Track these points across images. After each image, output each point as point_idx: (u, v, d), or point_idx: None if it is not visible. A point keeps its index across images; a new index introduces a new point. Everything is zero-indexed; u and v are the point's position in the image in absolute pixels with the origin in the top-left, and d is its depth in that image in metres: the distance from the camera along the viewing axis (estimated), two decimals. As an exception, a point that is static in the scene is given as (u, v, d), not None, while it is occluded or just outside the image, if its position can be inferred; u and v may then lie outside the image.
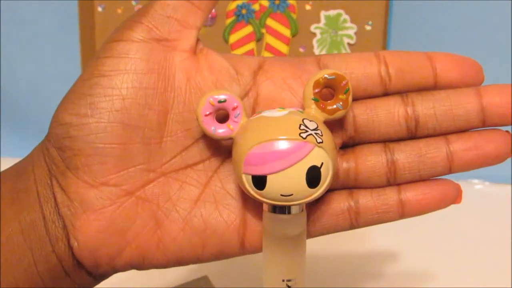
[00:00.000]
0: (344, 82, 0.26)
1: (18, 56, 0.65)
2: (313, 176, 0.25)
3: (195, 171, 0.28)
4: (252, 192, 0.26)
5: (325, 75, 0.27)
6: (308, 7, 0.53)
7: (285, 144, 0.25)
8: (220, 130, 0.27)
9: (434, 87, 0.29)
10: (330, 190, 0.28)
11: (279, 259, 0.27)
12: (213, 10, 0.54)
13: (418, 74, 0.28)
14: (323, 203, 0.28)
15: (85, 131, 0.26)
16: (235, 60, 0.29)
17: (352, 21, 0.53)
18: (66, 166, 0.27)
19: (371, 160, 0.28)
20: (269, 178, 0.25)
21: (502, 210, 0.57)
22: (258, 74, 0.28)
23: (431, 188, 0.29)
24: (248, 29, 0.55)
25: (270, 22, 0.55)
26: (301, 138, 0.25)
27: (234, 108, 0.27)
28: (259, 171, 0.25)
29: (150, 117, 0.27)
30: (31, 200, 0.27)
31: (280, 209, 0.27)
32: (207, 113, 0.27)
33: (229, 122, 0.27)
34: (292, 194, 0.25)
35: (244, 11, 0.54)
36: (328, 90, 0.27)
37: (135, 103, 0.26)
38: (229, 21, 0.55)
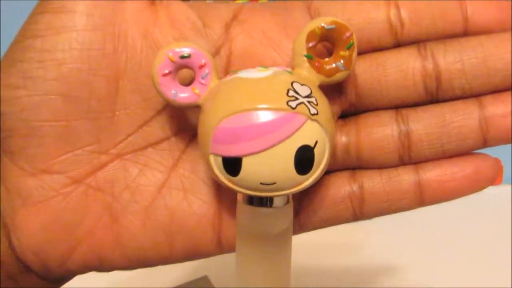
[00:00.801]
0: (347, 34, 0.21)
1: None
2: (304, 159, 0.20)
3: (158, 152, 0.23)
4: (222, 178, 0.20)
5: (322, 24, 0.21)
6: None
7: (267, 116, 0.19)
8: (182, 95, 0.21)
9: (462, 35, 0.22)
10: (326, 172, 0.22)
11: (256, 263, 0.22)
12: None
13: (440, 17, 0.22)
14: (317, 189, 0.23)
15: (17, 106, 0.22)
16: (203, 10, 0.23)
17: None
18: (2, 151, 0.22)
19: (378, 132, 0.22)
20: (244, 161, 0.19)
21: (502, 210, 0.56)
22: (231, 26, 0.23)
23: (458, 166, 0.22)
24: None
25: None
26: (289, 107, 0.19)
27: (202, 66, 0.21)
28: (231, 152, 0.20)
29: (97, 86, 0.22)
30: None
31: (259, 201, 0.21)
32: (166, 72, 0.21)
33: (195, 84, 0.21)
34: (275, 183, 0.20)
35: None
36: (325, 44, 0.22)
37: (76, 69, 0.22)
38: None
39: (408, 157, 0.23)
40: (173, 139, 0.23)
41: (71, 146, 0.22)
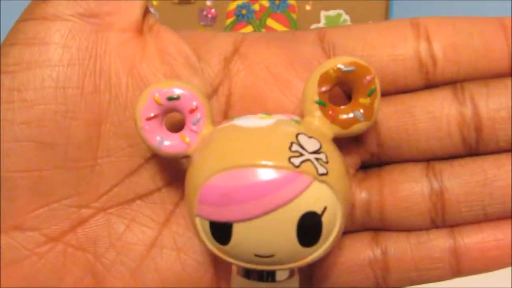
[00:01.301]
0: (368, 78, 0.17)
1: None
2: (309, 228, 0.16)
3: (147, 205, 0.20)
4: (210, 246, 0.17)
5: (339, 66, 0.17)
6: (308, 7, 0.52)
7: (263, 175, 0.16)
8: (168, 143, 0.18)
9: (508, 74, 0.19)
10: (344, 233, 0.19)
11: None
12: (213, 10, 0.51)
13: (482, 53, 0.19)
14: (332, 252, 0.20)
15: None
16: (199, 42, 0.20)
17: (352, 21, 0.52)
18: None
19: (405, 190, 0.19)
20: (235, 228, 0.16)
21: None
22: (232, 61, 0.20)
23: (503, 231, 0.19)
24: (248, 29, 0.53)
25: (270, 22, 0.53)
26: (291, 165, 0.16)
27: (193, 111, 0.18)
28: (220, 216, 0.16)
29: (75, 131, 0.19)
30: None
31: (257, 275, 0.18)
32: (151, 115, 0.18)
33: (185, 131, 0.18)
34: (273, 255, 0.17)
35: (244, 11, 0.53)
36: (341, 89, 0.19)
37: (50, 111, 0.19)
38: (229, 21, 0.53)
39: (441, 220, 0.19)
40: (164, 190, 0.20)
41: (46, 200, 0.19)
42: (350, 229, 0.20)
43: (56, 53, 0.19)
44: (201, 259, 0.20)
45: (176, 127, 0.19)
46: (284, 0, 0.52)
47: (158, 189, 0.20)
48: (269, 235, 0.16)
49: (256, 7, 0.52)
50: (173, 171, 0.20)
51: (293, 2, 0.52)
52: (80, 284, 0.20)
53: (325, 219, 0.16)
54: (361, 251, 0.20)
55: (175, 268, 0.20)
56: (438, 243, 0.19)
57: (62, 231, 0.20)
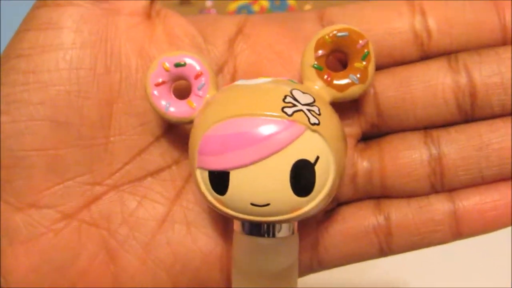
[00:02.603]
0: (361, 42, 0.18)
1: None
2: (302, 176, 0.17)
3: (158, 181, 0.21)
4: (209, 197, 0.18)
5: (334, 32, 0.18)
6: (308, 7, 0.52)
7: (257, 123, 0.17)
8: (173, 108, 0.19)
9: (500, 45, 0.20)
10: (347, 202, 0.20)
11: None
12: (213, 11, 0.51)
13: (474, 25, 0.20)
14: (336, 221, 0.20)
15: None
16: (204, 24, 0.21)
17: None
18: None
19: (404, 157, 0.20)
20: (232, 175, 0.17)
21: None
22: (235, 41, 0.21)
23: (500, 192, 0.20)
24: (249, 29, 0.53)
25: (270, 22, 0.53)
26: (284, 114, 0.17)
27: (198, 76, 0.19)
28: (218, 164, 0.17)
29: (88, 110, 0.20)
30: None
31: (258, 229, 0.19)
32: (159, 81, 0.19)
33: (191, 97, 0.19)
34: (268, 204, 0.17)
35: (244, 12, 0.53)
36: (337, 55, 0.19)
37: (64, 92, 0.19)
38: (229, 21, 0.53)
39: (440, 184, 0.20)
40: (174, 167, 0.21)
41: (61, 177, 0.20)
42: (354, 197, 0.20)
43: (69, 37, 0.19)
44: (211, 233, 0.21)
45: (185, 96, 0.20)
46: (284, 0, 0.51)
47: (168, 166, 0.21)
48: (264, 182, 0.17)
49: (256, 7, 0.52)
50: (182, 148, 0.21)
51: (292, 2, 0.51)
52: (94, 259, 0.20)
53: (318, 169, 0.17)
54: (365, 219, 0.20)
55: (186, 242, 0.21)
56: (438, 206, 0.20)
57: (77, 208, 0.20)
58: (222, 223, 0.21)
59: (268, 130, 0.17)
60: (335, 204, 0.20)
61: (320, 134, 0.17)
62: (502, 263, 0.47)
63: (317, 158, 0.17)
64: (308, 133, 0.17)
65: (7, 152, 0.20)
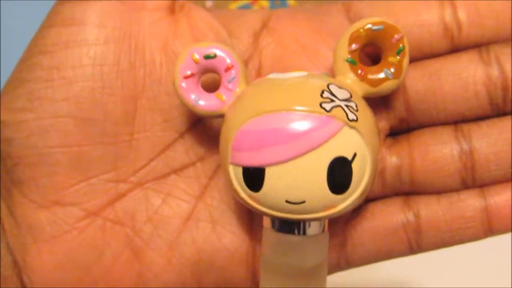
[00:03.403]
0: (397, 37, 0.18)
1: (18, 58, 0.62)
2: (339, 173, 0.17)
3: (182, 179, 0.21)
4: (242, 194, 0.18)
5: (369, 25, 0.18)
6: (308, 6, 0.51)
7: (295, 118, 0.16)
8: (203, 102, 0.19)
9: None
10: (375, 199, 0.19)
11: None
12: None
13: (505, 16, 0.19)
14: (365, 218, 0.20)
15: (24, 132, 0.19)
16: (229, 19, 0.21)
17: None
18: (11, 181, 0.20)
19: (434, 152, 0.19)
20: (268, 172, 0.17)
21: None
22: (261, 36, 0.20)
23: None
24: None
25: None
26: (322, 110, 0.16)
27: (228, 68, 0.18)
28: (252, 160, 0.17)
29: (112, 106, 0.20)
30: None
31: (289, 227, 0.18)
32: (188, 73, 0.18)
33: (220, 90, 0.19)
34: (304, 201, 0.17)
35: None
36: (370, 49, 0.19)
37: (88, 88, 0.19)
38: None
39: (471, 180, 0.20)
40: (199, 164, 0.21)
41: (85, 175, 0.20)
42: (381, 194, 0.20)
43: (93, 33, 0.19)
44: (237, 230, 0.20)
45: (213, 89, 0.19)
46: (284, 1, 0.51)
47: (193, 163, 0.21)
48: (300, 180, 0.16)
49: (256, 8, 0.52)
50: (207, 145, 0.21)
51: (292, 2, 0.51)
52: (119, 258, 0.20)
53: (355, 166, 0.17)
54: (394, 215, 0.20)
55: (211, 239, 0.20)
56: (469, 203, 0.20)
57: (101, 205, 0.20)
58: (248, 220, 0.20)
59: (306, 126, 0.16)
60: (363, 201, 0.20)
61: (357, 130, 0.17)
62: (502, 263, 0.47)
63: (355, 155, 0.17)
64: (346, 129, 0.17)
65: (31, 149, 0.19)
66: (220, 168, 0.21)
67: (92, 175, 0.20)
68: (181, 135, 0.20)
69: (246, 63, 0.20)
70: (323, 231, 0.19)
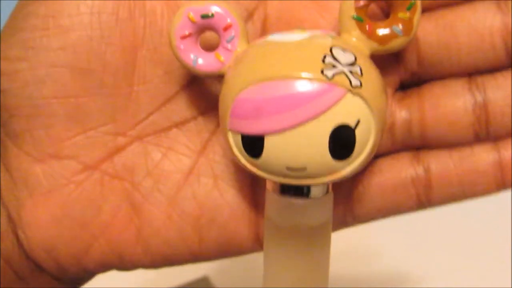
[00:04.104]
0: None
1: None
2: (342, 141, 0.16)
3: (184, 133, 0.20)
4: (243, 160, 0.17)
5: None
6: None
7: (295, 86, 0.16)
8: (203, 61, 0.18)
9: None
10: (383, 154, 0.19)
11: (287, 265, 0.19)
12: None
13: None
14: (372, 173, 0.19)
15: (19, 82, 0.19)
16: None
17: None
18: (6, 134, 0.20)
19: (446, 105, 0.19)
20: (267, 140, 0.16)
21: (502, 210, 0.55)
22: None
23: None
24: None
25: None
26: (324, 77, 0.16)
27: (227, 28, 0.17)
28: (252, 129, 0.16)
29: (111, 57, 0.19)
30: None
31: (292, 190, 0.18)
32: (185, 33, 0.18)
33: (219, 49, 0.18)
34: (305, 168, 0.16)
35: None
36: (379, 4, 0.18)
37: (85, 37, 0.18)
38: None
39: (485, 133, 0.19)
40: (200, 118, 0.20)
41: (83, 127, 0.19)
42: (391, 149, 0.20)
43: None
44: (239, 186, 0.20)
45: (211, 47, 0.19)
46: None
47: (194, 118, 0.20)
48: (300, 147, 0.16)
49: None
50: (209, 98, 0.20)
51: None
52: (118, 212, 0.20)
53: (358, 133, 0.16)
54: (403, 170, 0.19)
55: (213, 195, 0.20)
56: (482, 156, 0.19)
57: (99, 159, 0.20)
58: (251, 176, 0.20)
59: (307, 95, 0.16)
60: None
61: (361, 96, 0.16)
62: (502, 263, 0.48)
63: (358, 121, 0.16)
64: (349, 96, 0.16)
65: (27, 100, 0.19)
66: None
67: (90, 128, 0.19)
68: (182, 88, 0.20)
69: (251, 14, 0.19)
70: (327, 192, 0.18)
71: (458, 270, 0.48)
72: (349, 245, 0.49)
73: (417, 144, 0.19)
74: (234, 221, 0.20)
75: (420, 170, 0.19)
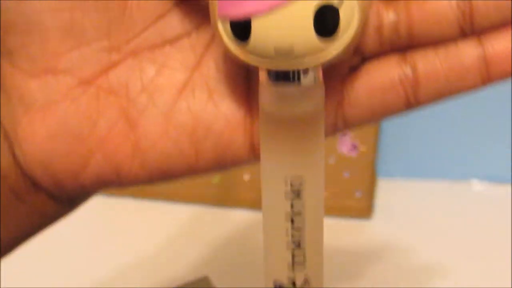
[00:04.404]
0: None
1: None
2: (326, 20, 0.17)
3: (178, 49, 0.20)
4: (233, 48, 0.18)
5: None
6: None
7: None
8: None
9: None
10: (371, 57, 0.20)
11: (279, 147, 0.19)
12: None
13: None
14: (362, 75, 0.20)
15: None
16: None
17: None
18: None
19: (432, 2, 0.19)
20: (254, 23, 0.17)
21: (502, 210, 0.56)
22: None
23: None
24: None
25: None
26: None
27: None
28: (238, 11, 0.17)
29: None
30: None
31: (283, 77, 0.18)
32: None
33: None
34: (292, 49, 0.17)
35: None
36: None
37: None
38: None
39: (470, 28, 0.19)
40: (194, 34, 0.20)
41: (77, 42, 0.20)
42: (379, 52, 0.20)
43: None
44: (234, 97, 0.20)
45: None
46: None
47: (188, 33, 0.20)
48: (287, 27, 0.16)
49: None
50: (202, 13, 0.20)
51: None
52: (113, 128, 0.20)
53: (342, 12, 0.17)
54: (390, 71, 0.20)
55: (209, 108, 0.20)
56: (467, 51, 0.19)
57: (94, 74, 0.20)
58: (245, 88, 0.20)
59: None
60: (360, 59, 0.20)
61: None
62: (502, 263, 0.48)
63: (342, 2, 0.17)
64: None
65: (20, 16, 0.19)
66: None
67: (85, 43, 0.20)
68: (176, 4, 0.20)
69: None
70: (317, 81, 0.19)
71: (458, 270, 0.48)
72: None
73: (404, 44, 0.20)
74: (229, 130, 0.20)
75: (407, 69, 0.20)
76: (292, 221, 0.19)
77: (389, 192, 0.60)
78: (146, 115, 0.20)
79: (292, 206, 0.19)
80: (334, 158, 0.59)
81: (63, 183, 0.21)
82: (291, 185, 0.19)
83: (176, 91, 0.20)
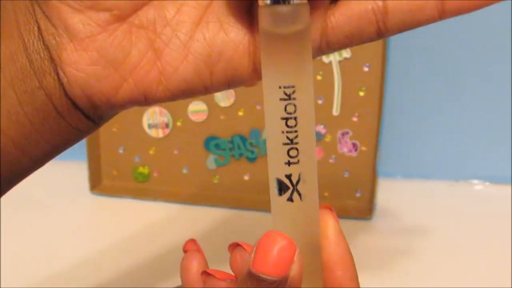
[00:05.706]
0: None
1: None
2: None
3: None
4: None
5: None
6: None
7: None
8: None
9: None
10: None
11: (275, 61, 0.23)
12: None
13: None
14: (340, 6, 0.24)
15: None
16: None
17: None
18: None
19: None
20: None
21: (502, 210, 0.58)
22: None
23: None
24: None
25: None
26: None
27: None
28: None
29: None
30: (8, 30, 0.24)
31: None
32: None
33: None
34: None
35: None
36: None
37: None
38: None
39: None
40: None
41: None
42: None
43: None
44: (240, 26, 0.24)
45: None
46: None
47: None
48: None
49: None
50: None
51: None
52: (143, 57, 0.24)
53: None
54: (365, 2, 0.24)
55: (220, 35, 0.24)
56: None
57: (127, 12, 0.24)
58: (249, 19, 0.24)
59: None
60: None
61: None
62: (502, 263, 0.49)
63: None
64: None
65: None
66: None
67: None
68: None
69: None
70: (303, 2, 0.23)
71: (458, 270, 0.49)
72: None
73: None
74: (237, 54, 0.24)
75: (379, 1, 0.24)
76: (286, 121, 0.23)
77: (389, 192, 0.61)
78: (170, 46, 0.24)
79: (285, 109, 0.23)
80: (334, 158, 0.60)
81: (97, 105, 0.24)
82: (284, 92, 0.23)
83: (194, 24, 0.24)
